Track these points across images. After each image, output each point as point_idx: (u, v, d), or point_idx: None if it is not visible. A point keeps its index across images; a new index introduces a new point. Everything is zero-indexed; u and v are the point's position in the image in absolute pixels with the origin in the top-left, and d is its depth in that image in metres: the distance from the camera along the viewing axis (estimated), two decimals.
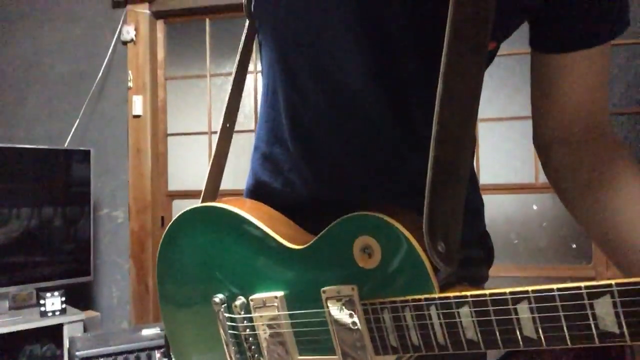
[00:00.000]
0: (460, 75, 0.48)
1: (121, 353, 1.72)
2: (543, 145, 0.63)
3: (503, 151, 2.40)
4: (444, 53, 0.48)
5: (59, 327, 2.13)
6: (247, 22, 0.74)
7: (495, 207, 2.44)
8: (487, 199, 2.44)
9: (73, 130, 2.62)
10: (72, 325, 2.16)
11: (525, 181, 2.35)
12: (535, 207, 2.42)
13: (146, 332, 1.89)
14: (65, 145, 2.58)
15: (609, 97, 0.61)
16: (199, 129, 2.71)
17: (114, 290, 2.61)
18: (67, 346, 2.06)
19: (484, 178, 2.42)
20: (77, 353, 1.68)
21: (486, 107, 2.39)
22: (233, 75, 0.76)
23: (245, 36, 0.75)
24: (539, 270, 2.36)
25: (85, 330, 2.20)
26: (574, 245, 2.34)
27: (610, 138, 0.60)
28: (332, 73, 0.60)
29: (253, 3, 0.68)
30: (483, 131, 2.41)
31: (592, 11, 0.55)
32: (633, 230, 0.53)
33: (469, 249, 0.67)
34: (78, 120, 2.63)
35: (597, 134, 0.59)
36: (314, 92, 0.63)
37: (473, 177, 0.71)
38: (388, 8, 0.55)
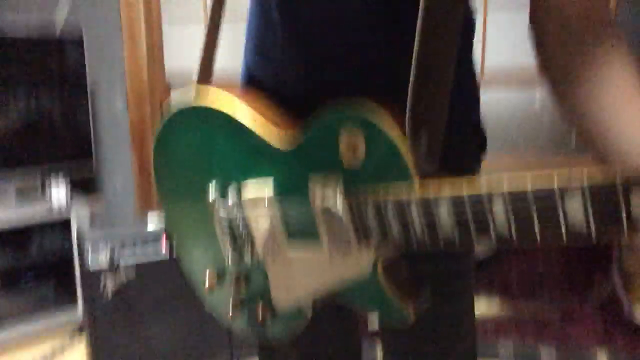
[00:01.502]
0: None
1: (129, 239, 1.79)
2: (537, 31, 0.60)
3: (511, 36, 2.32)
4: None
5: (67, 218, 2.20)
6: None
7: (498, 102, 2.41)
8: (491, 94, 2.37)
9: (64, 12, 2.52)
10: (80, 214, 2.23)
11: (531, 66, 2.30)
12: (537, 104, 2.39)
13: (152, 217, 1.96)
14: (56, 27, 2.50)
15: None
16: (195, 15, 2.61)
17: (118, 179, 2.67)
18: (76, 234, 2.14)
19: (489, 68, 2.36)
20: (87, 238, 1.75)
21: None
22: None
23: None
24: (538, 163, 2.38)
25: (91, 219, 2.28)
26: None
27: (608, 26, 0.56)
28: None
29: None
30: (492, 15, 2.32)
31: None
32: (614, 126, 0.52)
33: (463, 138, 0.68)
34: (67, 2, 2.52)
35: (595, 21, 0.56)
36: None
37: (469, 67, 0.70)
38: None
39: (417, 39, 0.48)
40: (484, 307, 1.98)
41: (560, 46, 0.57)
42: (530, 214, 0.42)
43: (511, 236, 0.43)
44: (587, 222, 0.39)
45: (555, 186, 0.40)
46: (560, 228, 0.40)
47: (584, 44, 0.55)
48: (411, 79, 0.49)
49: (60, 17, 2.52)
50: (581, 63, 0.55)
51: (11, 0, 2.61)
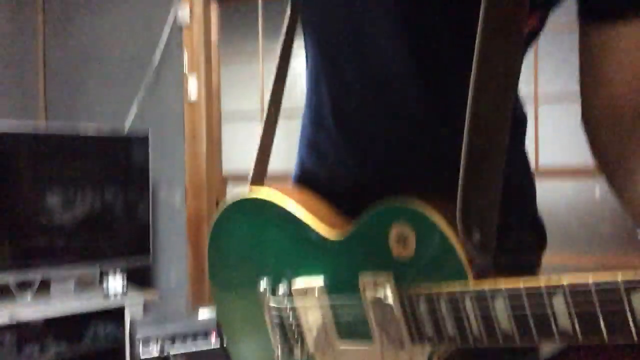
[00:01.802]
0: (496, 57, 0.47)
1: (179, 334, 1.79)
2: (590, 123, 0.60)
3: (565, 132, 2.31)
4: (477, 34, 0.47)
5: (121, 308, 2.24)
6: (290, 4, 0.75)
7: (555, 194, 2.35)
8: (546, 186, 2.35)
9: (132, 112, 2.71)
10: (133, 305, 2.27)
11: (586, 165, 2.25)
12: (597, 192, 2.32)
13: (203, 312, 1.97)
14: (126, 128, 2.68)
15: None
16: (252, 111, 2.75)
17: (172, 271, 2.71)
18: (129, 326, 2.16)
19: (544, 161, 2.33)
20: (138, 331, 1.77)
21: (548, 85, 2.30)
22: (277, 60, 0.77)
23: (289, 19, 0.76)
24: (602, 259, 2.26)
25: (145, 310, 2.30)
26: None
27: None
28: (372, 61, 0.61)
29: None
30: (543, 112, 2.33)
31: None
32: None
33: (520, 234, 0.66)
34: (136, 103, 2.72)
35: None
36: (355, 79, 0.64)
37: (523, 160, 0.69)
38: None
39: (465, 134, 0.49)
40: None
41: (615, 141, 0.57)
42: (593, 309, 0.39)
43: (575, 332, 0.41)
44: None
45: (619, 279, 0.38)
46: (628, 324, 0.38)
47: (637, 147, 0.55)
48: (460, 173, 0.49)
49: (129, 119, 2.72)
50: (638, 154, 0.54)
51: (87, 110, 2.85)
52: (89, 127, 2.51)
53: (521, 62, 0.56)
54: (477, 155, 0.49)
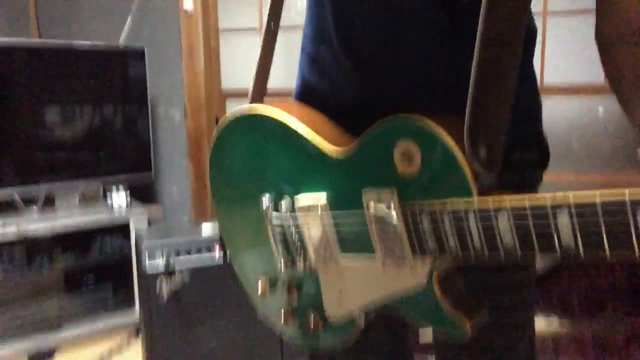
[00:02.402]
0: None
1: (183, 246, 1.83)
2: (604, 40, 0.58)
3: (572, 48, 2.24)
4: None
5: (126, 221, 2.29)
6: None
7: (558, 111, 2.33)
8: (551, 102, 2.32)
9: (126, 27, 2.63)
10: (138, 220, 2.31)
11: (592, 81, 2.21)
12: (601, 110, 2.29)
13: (206, 226, 2.00)
14: (120, 42, 2.61)
15: None
16: (251, 24, 2.66)
17: (175, 187, 2.74)
18: (134, 239, 2.22)
19: (549, 77, 2.29)
20: (144, 244, 1.81)
21: (556, 2, 2.21)
22: None
23: None
24: (601, 177, 2.28)
25: (149, 224, 2.35)
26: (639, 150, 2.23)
27: None
28: None
29: None
30: (551, 27, 2.25)
31: None
32: None
33: (523, 151, 0.66)
34: (130, 16, 2.63)
35: None
36: None
37: (531, 77, 0.68)
38: None
39: (477, 47, 0.47)
40: (542, 324, 1.90)
41: (629, 58, 0.55)
42: (598, 227, 0.39)
43: (578, 250, 0.41)
44: None
45: (627, 198, 0.38)
46: (631, 242, 0.38)
47: None
48: (470, 88, 0.47)
49: (124, 33, 2.63)
50: None
51: (80, 25, 2.75)
52: (83, 42, 2.43)
53: None
54: (488, 71, 0.47)
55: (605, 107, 2.27)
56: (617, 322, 1.89)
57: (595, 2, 0.58)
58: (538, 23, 2.33)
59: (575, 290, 1.96)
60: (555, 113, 2.33)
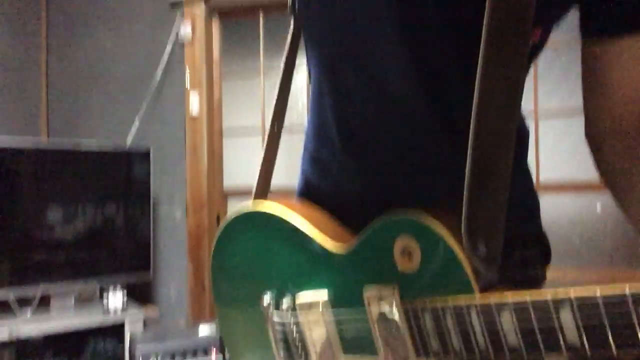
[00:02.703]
0: (499, 72, 0.47)
1: (179, 350, 1.78)
2: (595, 139, 0.60)
3: (565, 147, 2.31)
4: (481, 49, 0.47)
5: (121, 324, 2.23)
6: (292, 21, 0.75)
7: (556, 208, 2.35)
8: (547, 200, 2.33)
9: (134, 129, 2.72)
10: (133, 321, 2.25)
11: (587, 179, 2.25)
12: (599, 208, 2.31)
13: (203, 328, 1.95)
14: (127, 143, 2.69)
15: None
16: (253, 126, 2.76)
17: (172, 287, 2.70)
18: (129, 342, 2.15)
19: (545, 176, 2.33)
20: (138, 347, 1.75)
21: (547, 100, 2.31)
22: (279, 77, 0.77)
23: (291, 36, 0.76)
24: (604, 274, 2.25)
25: (145, 326, 2.29)
26: None
27: None
28: (376, 76, 0.61)
29: (297, 4, 0.69)
30: (544, 127, 2.33)
31: None
32: None
33: (524, 249, 0.66)
34: (138, 119, 2.73)
35: None
36: (360, 94, 0.63)
37: (526, 176, 0.69)
38: (426, 8, 0.55)
39: (470, 146, 0.49)
40: None
41: (620, 156, 0.56)
42: (601, 322, 0.39)
43: (583, 346, 0.40)
44: None
45: (627, 292, 0.37)
46: (637, 337, 0.37)
47: None
48: (465, 187, 0.49)
49: (131, 134, 2.73)
50: None
51: (89, 126, 2.86)
52: (90, 142, 2.51)
53: (525, 77, 0.56)
54: (482, 169, 0.49)
55: (603, 204, 2.30)
56: None
57: (582, 102, 0.60)
58: (531, 123, 2.41)
59: None
60: (554, 210, 2.35)
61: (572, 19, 0.58)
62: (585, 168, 2.25)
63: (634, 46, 0.54)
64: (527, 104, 2.34)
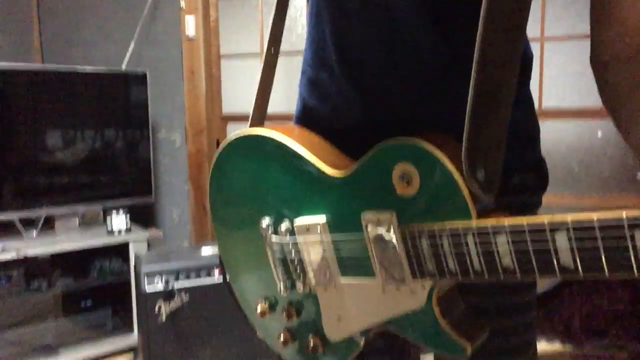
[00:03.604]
0: None
1: (183, 270, 1.83)
2: (600, 62, 0.59)
3: (570, 73, 2.27)
4: None
5: (125, 244, 2.28)
6: None
7: (556, 134, 2.34)
8: (549, 125, 2.33)
9: (129, 52, 2.66)
10: (137, 242, 2.30)
11: (590, 105, 2.23)
12: (600, 134, 2.31)
13: (205, 250, 2.00)
14: (123, 67, 2.64)
15: None
16: (251, 50, 2.69)
17: (175, 210, 2.74)
18: (133, 262, 2.21)
19: (548, 101, 2.31)
20: (143, 267, 1.81)
21: (554, 25, 2.24)
22: None
23: None
24: (601, 200, 2.28)
25: (149, 247, 2.35)
26: (639, 175, 2.23)
27: None
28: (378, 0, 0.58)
29: None
30: (549, 52, 2.28)
31: None
32: None
33: (523, 175, 0.66)
34: (133, 43, 2.67)
35: None
36: (358, 15, 0.61)
37: (528, 101, 0.69)
38: None
39: (473, 71, 0.48)
40: (544, 345, 1.88)
41: (625, 81, 0.55)
42: (596, 245, 0.40)
43: (577, 269, 0.41)
44: None
45: (624, 216, 0.38)
46: (630, 260, 0.38)
47: None
48: (467, 111, 0.48)
49: (126, 58, 2.66)
50: None
51: (83, 48, 2.79)
52: (86, 66, 2.46)
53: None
54: (485, 94, 0.48)
55: (604, 131, 2.29)
56: (620, 346, 1.87)
57: (590, 24, 0.59)
58: (536, 48, 2.36)
59: (577, 311, 1.95)
60: (554, 136, 2.35)
61: None
62: (588, 94, 2.22)
63: None
64: (533, 30, 2.27)
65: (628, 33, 0.54)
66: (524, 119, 0.67)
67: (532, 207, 0.69)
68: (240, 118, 2.71)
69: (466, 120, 0.48)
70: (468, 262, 0.49)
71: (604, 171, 2.32)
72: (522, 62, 0.58)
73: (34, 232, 2.26)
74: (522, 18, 0.48)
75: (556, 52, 2.28)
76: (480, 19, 0.46)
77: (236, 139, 0.67)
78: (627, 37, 0.54)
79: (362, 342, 0.63)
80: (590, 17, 0.58)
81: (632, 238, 0.38)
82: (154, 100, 2.55)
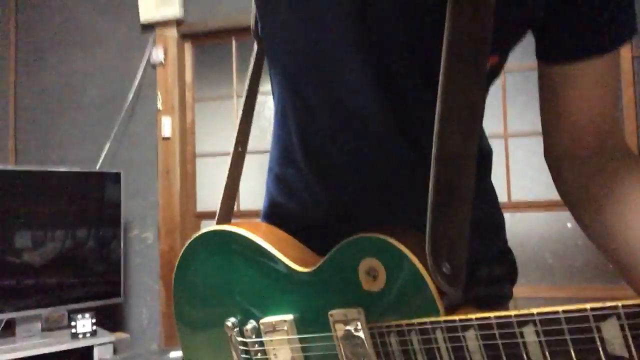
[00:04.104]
0: (459, 93, 0.48)
1: None
2: (553, 159, 0.61)
3: (534, 166, 2.35)
4: (441, 71, 0.47)
5: (90, 349, 2.17)
6: (256, 45, 0.75)
7: (527, 225, 2.38)
8: (519, 217, 2.37)
9: (104, 153, 2.68)
10: (102, 347, 2.19)
11: (557, 197, 2.29)
12: (569, 225, 2.35)
13: (174, 354, 1.91)
14: (97, 167, 2.65)
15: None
16: (226, 149, 2.75)
17: (144, 311, 2.64)
18: None
19: (516, 194, 2.37)
20: None
21: (516, 122, 2.36)
22: (243, 99, 0.77)
23: (255, 59, 0.76)
24: (576, 291, 2.28)
25: (115, 351, 2.23)
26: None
27: (623, 151, 0.57)
28: (339, 94, 0.61)
29: (259, 26, 0.69)
30: (513, 146, 2.38)
31: (597, 19, 0.54)
32: None
33: (490, 267, 0.66)
34: (109, 143, 2.70)
35: (608, 147, 0.57)
36: (322, 113, 0.63)
37: (490, 194, 0.70)
38: (388, 27, 0.55)
39: (432, 167, 0.49)
40: None
41: (578, 176, 0.58)
42: (563, 337, 0.39)
43: None
44: (627, 346, 0.36)
45: (588, 307, 0.37)
46: (598, 353, 0.37)
47: (601, 170, 0.56)
48: (429, 206, 0.49)
49: (101, 156, 2.69)
50: (600, 189, 0.55)
51: (57, 150, 2.81)
52: (61, 163, 2.46)
53: (484, 97, 0.57)
54: (445, 189, 0.49)
55: (573, 222, 2.34)
56: None
57: (541, 124, 0.61)
58: (501, 144, 2.45)
59: None
60: (526, 227, 2.38)
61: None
62: (554, 187, 2.29)
63: (588, 69, 0.55)
64: (497, 125, 2.39)
65: (576, 127, 0.57)
66: (487, 211, 0.68)
67: (502, 300, 0.68)
68: (214, 215, 2.70)
69: (428, 215, 0.49)
70: (438, 358, 0.47)
71: (577, 261, 2.34)
72: (481, 155, 0.60)
73: None
74: (476, 115, 0.50)
75: (520, 147, 2.38)
76: (436, 116, 0.48)
77: (200, 235, 0.67)
78: (576, 131, 0.57)
79: None
80: (540, 116, 0.60)
81: (599, 331, 0.37)
82: (127, 199, 2.54)
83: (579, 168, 0.57)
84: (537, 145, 2.33)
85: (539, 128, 0.61)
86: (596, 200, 0.55)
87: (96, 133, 2.75)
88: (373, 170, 0.63)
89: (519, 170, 2.38)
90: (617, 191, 0.53)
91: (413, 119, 0.59)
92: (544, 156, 0.61)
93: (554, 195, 2.35)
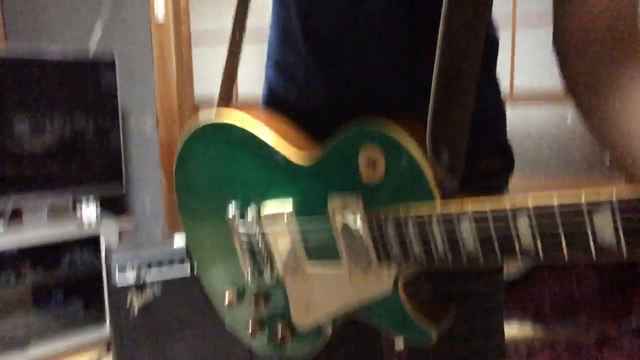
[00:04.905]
0: None
1: (155, 260, 1.80)
2: (561, 47, 0.59)
3: (541, 58, 2.29)
4: None
5: (96, 235, 2.24)
6: None
7: (528, 119, 2.37)
8: (520, 110, 2.35)
9: (97, 37, 2.59)
10: (108, 233, 2.26)
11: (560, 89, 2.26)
12: (569, 119, 2.34)
13: (178, 239, 1.97)
14: (90, 52, 2.57)
15: None
16: (224, 33, 2.65)
17: (147, 199, 2.70)
18: (104, 253, 2.17)
19: (519, 86, 2.33)
20: (114, 258, 1.78)
21: (526, 5, 2.26)
22: None
23: None
24: (572, 183, 2.32)
25: (120, 237, 2.31)
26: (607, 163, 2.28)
27: (636, 41, 0.55)
28: None
29: None
30: (520, 37, 2.30)
31: None
32: None
33: (489, 159, 0.66)
34: (100, 26, 2.59)
35: (620, 41, 0.54)
36: None
37: (493, 85, 0.68)
38: None
39: (437, 55, 0.47)
40: (516, 329, 1.92)
41: (585, 65, 0.55)
42: (556, 230, 0.40)
43: (537, 253, 0.41)
44: (617, 237, 0.37)
45: (583, 200, 0.38)
46: (588, 244, 0.38)
47: (609, 60, 0.54)
48: (432, 94, 0.48)
49: (94, 42, 2.60)
50: (607, 79, 0.53)
51: (48, 29, 2.71)
52: (52, 50, 2.39)
53: None
54: (449, 77, 0.48)
55: (574, 115, 2.32)
56: (589, 326, 1.91)
57: (552, 10, 0.58)
58: (508, 34, 2.37)
59: (548, 295, 1.99)
60: (526, 120, 2.38)
61: None
62: (558, 79, 2.25)
63: None
64: (505, 10, 2.29)
65: (588, 17, 0.54)
66: (489, 103, 0.67)
67: (498, 191, 0.69)
68: (213, 103, 2.67)
69: (430, 103, 0.48)
70: (432, 246, 0.49)
71: (574, 154, 2.36)
72: (487, 45, 0.58)
73: (1, 225, 2.20)
74: (485, 1, 0.47)
75: (527, 38, 2.30)
76: (444, 2, 0.46)
77: (200, 125, 0.66)
78: (588, 21, 0.54)
79: (330, 330, 0.63)
80: (553, 2, 0.57)
81: (591, 222, 0.38)
82: (123, 86, 2.49)
83: (587, 56, 0.55)
84: (544, 36, 2.25)
85: (548, 12, 0.58)
86: (601, 88, 0.53)
87: (86, 12, 2.63)
88: (375, 57, 0.61)
89: (525, 61, 2.33)
90: (622, 81, 0.51)
91: (421, 7, 0.57)
92: (553, 45, 0.59)
93: (557, 87, 2.30)
